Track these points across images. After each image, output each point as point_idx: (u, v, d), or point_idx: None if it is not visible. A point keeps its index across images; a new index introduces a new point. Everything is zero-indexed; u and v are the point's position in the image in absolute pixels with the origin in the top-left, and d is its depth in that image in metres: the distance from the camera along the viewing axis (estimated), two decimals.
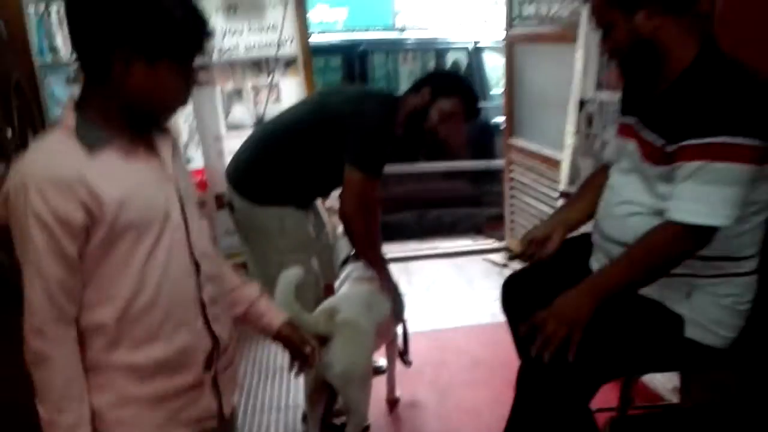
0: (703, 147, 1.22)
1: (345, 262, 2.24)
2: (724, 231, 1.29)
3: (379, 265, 2.07)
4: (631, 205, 1.39)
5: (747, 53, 1.35)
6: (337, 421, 2.09)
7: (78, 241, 0.99)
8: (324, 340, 1.73)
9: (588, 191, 1.67)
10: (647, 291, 1.39)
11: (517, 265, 1.78)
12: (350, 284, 2.07)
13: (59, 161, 0.98)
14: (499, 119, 4.25)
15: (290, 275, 1.69)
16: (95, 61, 1.00)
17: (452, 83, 2.02)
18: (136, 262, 1.04)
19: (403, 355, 2.28)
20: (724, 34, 1.58)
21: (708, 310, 1.37)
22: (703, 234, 1.26)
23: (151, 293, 1.06)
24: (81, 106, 1.03)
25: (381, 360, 2.32)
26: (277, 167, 1.99)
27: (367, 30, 5.62)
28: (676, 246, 1.29)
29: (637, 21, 1.30)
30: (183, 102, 1.09)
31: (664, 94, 1.34)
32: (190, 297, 1.12)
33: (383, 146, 1.94)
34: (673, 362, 1.55)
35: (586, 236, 1.61)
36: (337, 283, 2.22)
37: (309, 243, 2.09)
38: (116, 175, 1.01)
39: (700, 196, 1.24)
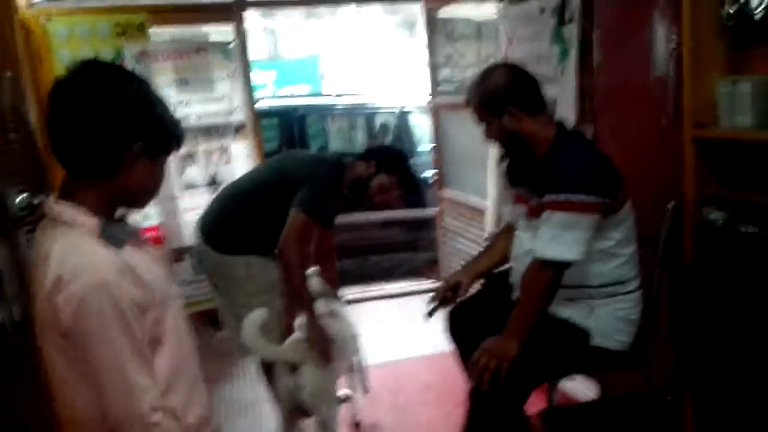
0: (555, 201, 1.64)
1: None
2: (606, 264, 1.72)
3: (302, 299, 2.19)
4: (530, 252, 1.75)
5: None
6: None
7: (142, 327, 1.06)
8: (295, 367, 2.02)
9: (494, 245, 2.10)
10: (559, 313, 1.77)
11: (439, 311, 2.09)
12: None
13: (110, 256, 1.04)
14: (428, 173, 4.71)
15: (254, 317, 1.98)
16: (110, 157, 1.07)
17: (394, 163, 2.34)
18: (171, 334, 1.13)
19: (363, 382, 2.57)
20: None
21: (607, 322, 1.76)
22: (557, 266, 1.65)
23: (182, 358, 1.17)
24: (75, 202, 1.07)
25: (345, 390, 2.58)
26: (242, 221, 2.24)
27: (301, 96, 6.00)
28: (542, 277, 1.68)
29: (504, 121, 1.74)
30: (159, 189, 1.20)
31: (538, 166, 1.77)
32: (194, 353, 1.24)
33: (328, 199, 2.22)
34: (584, 366, 1.95)
35: (504, 275, 1.99)
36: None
37: (274, 285, 2.29)
38: (141, 262, 1.11)
39: (553, 237, 1.63)
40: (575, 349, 1.77)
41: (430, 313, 2.06)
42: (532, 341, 1.68)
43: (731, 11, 1.70)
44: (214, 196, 2.53)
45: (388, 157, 2.36)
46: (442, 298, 2.03)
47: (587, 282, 1.74)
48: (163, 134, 1.14)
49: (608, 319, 1.76)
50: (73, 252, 1.03)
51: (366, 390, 2.57)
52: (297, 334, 2.22)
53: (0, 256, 1.52)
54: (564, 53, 2.51)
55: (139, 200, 1.17)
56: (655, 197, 1.95)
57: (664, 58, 1.97)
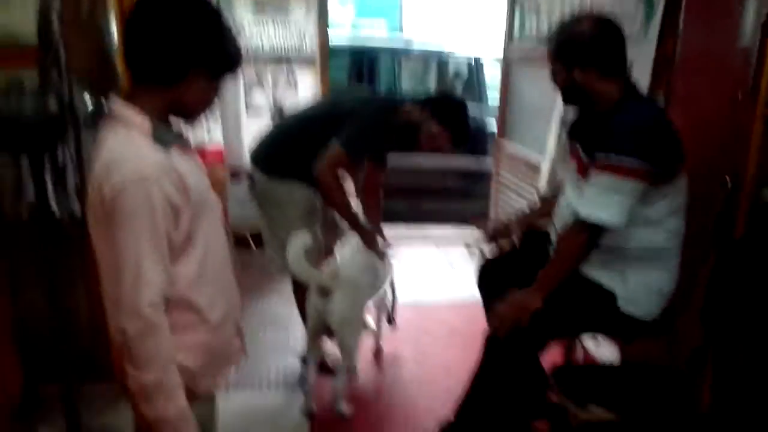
0: (604, 162, 1.60)
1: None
2: (649, 233, 1.68)
3: (348, 215, 2.33)
4: (573, 211, 1.73)
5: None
6: (329, 363, 2.46)
7: (174, 225, 1.14)
8: (326, 292, 2.11)
9: (545, 204, 2.10)
10: (590, 273, 1.75)
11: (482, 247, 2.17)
12: (351, 250, 2.41)
13: (155, 156, 1.12)
14: (494, 126, 4.62)
15: (299, 239, 2.07)
16: (174, 70, 1.16)
17: (450, 115, 2.29)
18: (202, 234, 1.21)
19: (390, 315, 2.65)
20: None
21: (637, 289, 1.73)
22: (594, 228, 1.63)
23: (213, 259, 1.25)
24: (134, 104, 1.16)
25: (370, 320, 2.67)
26: (291, 149, 2.31)
27: (376, 36, 5.90)
28: (578, 238, 1.67)
29: (574, 74, 1.70)
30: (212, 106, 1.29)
31: (595, 126, 1.73)
32: (228, 260, 1.34)
33: (369, 136, 2.23)
34: (605, 327, 1.91)
35: (545, 233, 1.99)
36: (339, 248, 2.58)
37: (315, 213, 2.39)
38: (184, 165, 1.18)
39: (595, 199, 1.61)
40: (599, 310, 1.76)
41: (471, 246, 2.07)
42: (558, 296, 1.69)
43: None
44: (273, 122, 2.60)
45: (445, 107, 2.32)
46: (489, 237, 2.09)
47: (625, 245, 1.71)
48: (226, 58, 1.21)
49: (639, 287, 1.74)
50: (123, 146, 1.12)
51: (391, 322, 2.66)
52: (335, 261, 2.30)
53: (66, 155, 1.63)
54: (650, 14, 2.38)
55: (191, 113, 1.25)
56: (717, 171, 1.86)
57: (751, 30, 1.84)
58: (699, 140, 2.05)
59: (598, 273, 1.75)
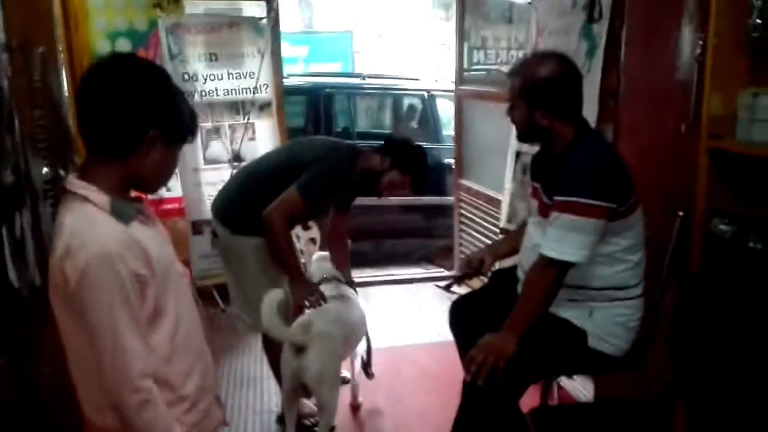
0: (564, 202, 1.65)
1: (318, 283, 2.59)
2: (610, 269, 1.73)
3: (287, 265, 2.26)
4: (537, 246, 1.77)
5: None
6: (306, 421, 2.41)
7: (141, 300, 1.14)
8: (301, 349, 2.08)
9: (514, 235, 2.15)
10: (559, 312, 1.78)
11: (456, 290, 2.20)
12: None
13: (117, 230, 1.12)
14: (450, 159, 4.72)
15: (273, 296, 2.04)
16: (129, 140, 1.15)
17: (410, 163, 2.32)
18: (171, 306, 1.21)
19: (367, 367, 2.62)
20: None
21: (606, 326, 1.76)
22: (561, 266, 1.67)
23: (184, 330, 1.24)
24: (91, 179, 1.15)
25: (345, 372, 2.64)
26: (256, 204, 2.25)
27: (329, 75, 6.04)
28: (544, 276, 1.69)
29: (535, 115, 1.74)
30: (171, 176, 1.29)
31: (552, 166, 1.79)
32: (199, 328, 1.33)
33: (329, 184, 2.21)
34: (579, 367, 1.97)
35: (513, 269, 2.03)
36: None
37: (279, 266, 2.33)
38: (146, 237, 1.18)
39: (559, 238, 1.65)
40: (572, 350, 1.79)
41: (448, 287, 2.13)
42: (530, 339, 1.70)
43: (758, 22, 1.67)
44: (233, 174, 2.59)
45: (406, 155, 2.34)
46: (464, 272, 2.10)
47: (589, 284, 1.75)
48: (180, 124, 1.21)
49: (606, 323, 1.77)
50: (83, 224, 1.11)
51: (368, 375, 2.63)
52: (304, 316, 2.28)
53: (23, 225, 1.59)
54: (591, 50, 2.49)
55: (150, 184, 1.26)
56: (667, 203, 1.94)
57: (688, 63, 1.95)
58: (648, 172, 2.14)
59: (567, 312, 1.78)
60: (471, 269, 2.09)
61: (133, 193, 1.29)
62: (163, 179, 1.27)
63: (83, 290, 1.08)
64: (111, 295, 1.09)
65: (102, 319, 1.09)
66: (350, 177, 2.29)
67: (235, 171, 3.58)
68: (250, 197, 2.30)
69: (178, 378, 1.24)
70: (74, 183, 1.17)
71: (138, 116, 1.15)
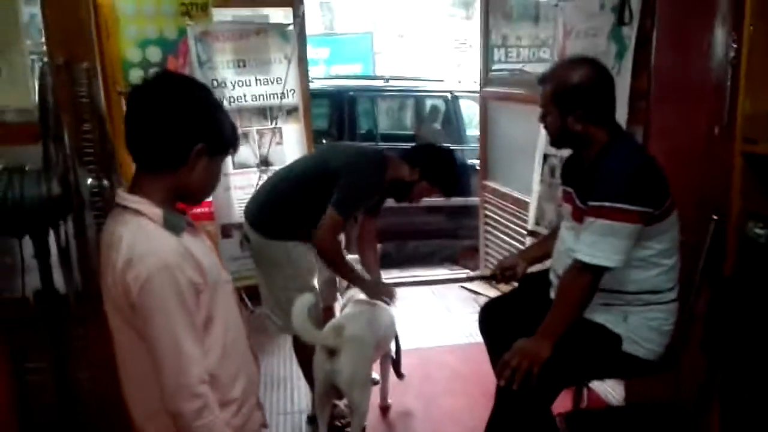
0: (599, 207, 1.65)
1: (348, 287, 2.62)
2: (645, 273, 1.73)
3: (351, 279, 2.43)
4: (571, 251, 1.77)
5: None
6: (338, 422, 2.45)
7: (197, 307, 1.20)
8: (333, 352, 2.11)
9: (547, 239, 2.16)
10: (593, 317, 1.79)
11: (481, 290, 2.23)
12: (353, 305, 2.44)
13: (172, 242, 1.18)
14: (474, 160, 4.72)
15: (305, 300, 2.07)
16: (177, 154, 1.21)
17: (440, 174, 2.36)
18: (220, 313, 1.27)
19: (397, 366, 2.65)
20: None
21: (640, 330, 1.77)
22: (596, 271, 1.67)
23: (232, 335, 1.30)
24: (142, 193, 1.21)
25: (374, 374, 2.65)
26: (286, 209, 2.33)
27: (352, 77, 6.06)
28: (579, 281, 1.70)
29: (568, 121, 1.75)
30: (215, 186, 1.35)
31: (585, 171, 1.79)
32: (244, 334, 1.39)
33: (362, 196, 2.30)
34: (613, 371, 1.97)
35: (545, 272, 2.03)
36: (341, 303, 2.60)
37: (312, 271, 2.40)
38: (197, 248, 1.24)
39: (594, 243, 1.65)
40: (607, 354, 1.79)
41: (472, 279, 2.10)
42: (565, 343, 1.71)
43: None
44: (264, 180, 2.62)
45: (435, 166, 2.37)
46: (498, 277, 2.13)
47: (624, 288, 1.76)
48: (222, 137, 1.27)
49: (641, 327, 1.77)
50: (141, 237, 1.17)
51: (399, 376, 2.66)
52: (336, 320, 2.31)
53: (67, 234, 1.65)
54: (621, 53, 2.49)
55: (196, 195, 1.31)
56: (700, 207, 1.94)
57: (722, 66, 1.93)
58: (680, 175, 2.12)
59: (601, 317, 1.79)
60: (505, 277, 2.11)
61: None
62: (208, 190, 1.32)
63: (146, 301, 1.14)
64: (173, 305, 1.15)
65: (165, 328, 1.15)
66: (380, 186, 2.33)
67: (264, 176, 3.67)
68: (281, 203, 2.35)
69: (228, 381, 1.29)
70: (126, 198, 1.22)
71: (185, 131, 1.21)
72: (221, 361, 1.26)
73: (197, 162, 1.23)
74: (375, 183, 2.31)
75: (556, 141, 1.88)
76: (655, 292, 1.77)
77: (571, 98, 1.74)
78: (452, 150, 2.53)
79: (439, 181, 2.36)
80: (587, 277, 1.69)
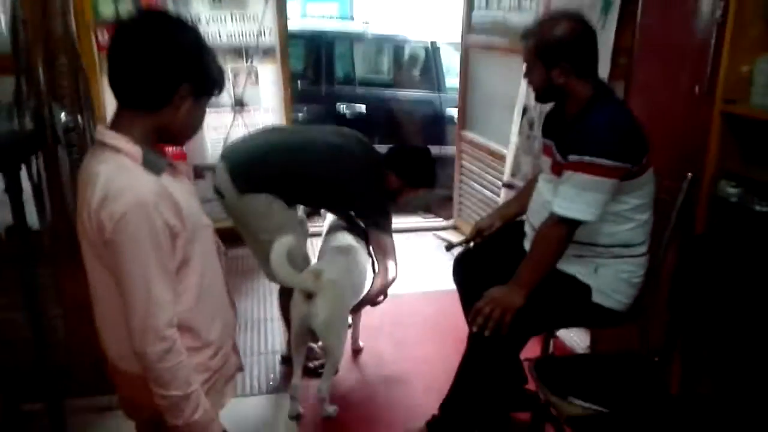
0: (579, 162, 1.68)
1: (328, 232, 2.62)
2: (618, 227, 1.77)
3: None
4: (548, 203, 1.82)
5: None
6: (311, 364, 2.50)
7: (172, 250, 1.17)
8: (310, 296, 2.13)
9: (523, 194, 2.17)
10: (565, 268, 1.84)
11: (456, 250, 2.27)
12: (331, 251, 2.45)
13: (151, 181, 1.15)
14: (453, 110, 4.69)
15: (283, 242, 2.07)
16: (161, 93, 1.17)
17: (423, 179, 2.49)
18: (198, 257, 1.24)
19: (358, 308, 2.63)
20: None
21: (610, 282, 1.82)
22: (571, 224, 1.71)
23: (209, 280, 1.29)
24: (122, 130, 1.18)
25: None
26: (278, 179, 2.25)
27: (331, 18, 5.88)
28: (554, 233, 1.75)
29: (552, 74, 1.76)
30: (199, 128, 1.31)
31: (567, 125, 1.80)
32: (221, 277, 1.39)
33: (384, 207, 2.40)
34: (582, 320, 2.05)
35: (520, 223, 2.07)
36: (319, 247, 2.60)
37: (296, 224, 2.35)
38: (176, 189, 1.21)
39: (571, 197, 1.69)
40: (576, 304, 1.85)
41: (450, 247, 2.22)
42: (536, 293, 1.76)
43: None
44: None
45: (417, 175, 2.48)
46: (472, 238, 2.16)
47: (596, 241, 1.80)
48: (209, 78, 1.23)
49: (610, 279, 1.83)
50: (118, 174, 1.14)
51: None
52: (314, 264, 2.32)
53: (39, 170, 1.60)
54: (607, 7, 2.47)
55: (179, 136, 1.27)
56: (676, 163, 1.97)
57: (707, 25, 1.93)
58: (658, 132, 2.15)
59: (572, 268, 1.84)
60: (482, 237, 2.14)
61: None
62: (191, 132, 1.28)
63: (119, 238, 1.11)
64: (146, 245, 1.12)
65: (136, 268, 1.13)
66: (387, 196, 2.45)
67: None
68: (267, 171, 2.26)
69: (204, 325, 1.28)
70: (106, 134, 1.18)
71: (170, 71, 1.17)
72: (197, 304, 1.25)
73: (182, 103, 1.19)
74: (385, 195, 2.42)
75: (540, 96, 1.88)
76: (627, 246, 1.81)
77: (554, 52, 1.74)
78: (428, 149, 2.62)
79: (423, 184, 2.51)
80: (562, 230, 1.73)
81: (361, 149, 2.38)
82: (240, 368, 1.50)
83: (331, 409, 2.29)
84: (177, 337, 1.18)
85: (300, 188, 2.30)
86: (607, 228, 1.78)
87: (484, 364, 1.82)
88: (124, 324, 1.18)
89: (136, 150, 1.16)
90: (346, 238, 2.51)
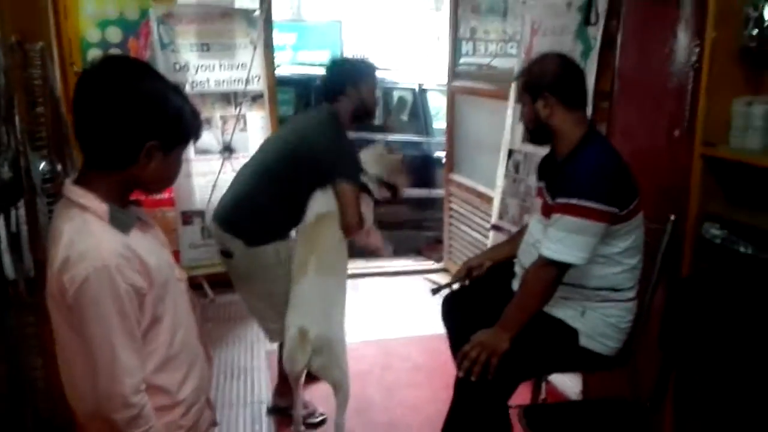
0: (565, 204, 1.68)
1: None
2: (607, 269, 1.76)
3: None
4: (538, 243, 1.81)
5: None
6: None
7: (140, 310, 1.13)
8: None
9: (515, 237, 2.17)
10: (552, 311, 1.81)
11: (444, 292, 2.22)
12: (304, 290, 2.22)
13: (115, 242, 1.10)
14: (440, 153, 4.73)
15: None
16: (125, 152, 1.12)
17: (364, 71, 2.35)
18: (169, 313, 1.20)
19: None
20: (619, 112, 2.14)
21: (597, 326, 1.80)
22: (560, 267, 1.70)
23: (181, 336, 1.24)
24: (89, 187, 1.13)
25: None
26: (271, 210, 2.22)
27: (320, 65, 5.98)
28: (543, 276, 1.73)
29: (537, 106, 1.78)
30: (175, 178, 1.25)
31: (557, 166, 1.82)
32: (195, 332, 1.33)
33: (349, 152, 2.24)
34: (570, 365, 2.01)
35: (509, 264, 2.05)
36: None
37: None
38: (144, 246, 1.17)
39: (559, 239, 1.68)
40: (564, 349, 1.82)
41: (437, 290, 2.16)
42: (523, 337, 1.73)
43: (754, 33, 1.71)
44: (235, 176, 2.47)
45: (356, 70, 2.35)
46: (462, 278, 2.13)
47: (585, 283, 1.78)
48: (179, 129, 1.17)
49: (597, 323, 1.80)
50: (81, 235, 1.09)
51: None
52: (295, 316, 2.19)
53: (18, 220, 1.59)
54: (586, 52, 2.52)
55: (154, 188, 1.24)
56: (659, 206, 1.98)
57: (684, 69, 1.97)
58: (640, 175, 2.15)
59: (560, 311, 1.82)
60: (470, 278, 2.11)
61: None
62: (166, 183, 1.25)
63: (81, 303, 1.08)
64: (109, 309, 1.08)
65: (99, 333, 1.09)
66: (347, 137, 2.29)
67: (228, 163, 3.60)
68: (262, 204, 2.24)
69: (175, 384, 1.23)
70: (72, 190, 1.14)
71: (132, 130, 1.11)
72: (169, 363, 1.21)
73: (150, 160, 1.14)
74: (343, 133, 2.26)
75: (532, 134, 1.90)
76: (615, 290, 1.80)
77: (537, 83, 1.79)
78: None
79: (367, 73, 2.36)
80: (551, 273, 1.71)
81: (316, 121, 2.31)
82: (214, 423, 1.44)
83: None
84: (146, 402, 1.13)
85: (293, 189, 2.23)
86: (596, 270, 1.77)
87: (471, 411, 1.77)
88: (85, 384, 1.13)
89: (102, 208, 1.12)
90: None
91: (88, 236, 1.09)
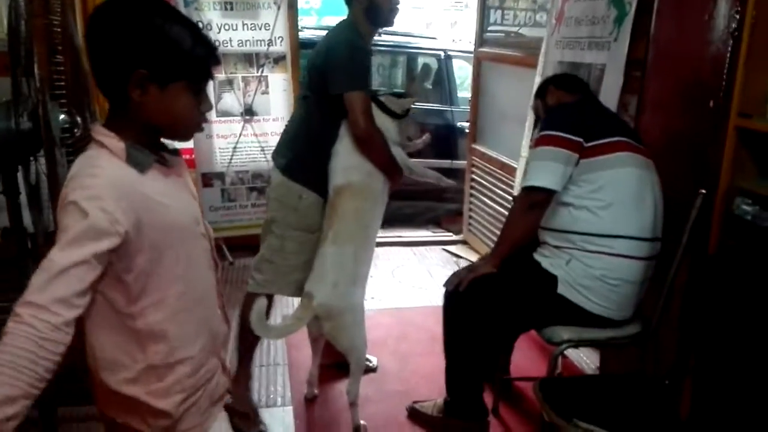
0: (538, 137, 1.90)
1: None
2: (592, 215, 1.81)
3: (395, 170, 2.22)
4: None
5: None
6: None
7: (119, 251, 1.04)
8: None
9: None
10: (539, 259, 1.92)
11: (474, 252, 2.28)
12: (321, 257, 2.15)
13: (117, 177, 1.05)
14: (464, 123, 4.65)
15: (259, 306, 1.93)
16: (114, 87, 1.07)
17: None
18: (182, 264, 1.14)
19: None
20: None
21: (578, 275, 1.83)
22: (532, 193, 1.85)
23: (194, 290, 1.18)
24: (112, 128, 1.09)
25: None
26: (306, 147, 2.15)
27: None
28: (518, 203, 1.97)
29: (546, 100, 2.11)
30: (198, 123, 1.15)
31: None
32: (213, 291, 1.27)
33: (361, 62, 2.06)
34: (549, 313, 1.92)
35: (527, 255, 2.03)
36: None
37: (315, 228, 2.19)
38: (159, 187, 1.11)
39: (530, 169, 1.88)
40: (540, 294, 1.89)
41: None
42: (505, 277, 1.92)
43: None
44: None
45: None
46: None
47: (571, 228, 1.86)
48: (172, 60, 1.07)
49: (579, 272, 1.84)
50: (86, 164, 1.07)
51: None
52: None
53: (38, 171, 1.58)
54: (620, 18, 2.42)
55: (169, 131, 1.15)
56: (689, 179, 1.92)
57: (722, 37, 1.89)
58: (671, 147, 2.11)
59: (546, 259, 1.91)
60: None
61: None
62: (180, 122, 1.13)
63: (59, 220, 1.02)
64: (76, 233, 0.99)
65: (60, 242, 1.00)
66: (362, 41, 2.14)
67: (248, 125, 3.58)
68: (297, 132, 2.20)
69: (182, 339, 1.17)
70: (97, 130, 1.11)
71: (115, 55, 1.04)
72: (176, 316, 1.15)
73: (145, 94, 1.06)
74: (357, 42, 2.10)
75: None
76: (603, 236, 1.81)
77: (544, 84, 2.18)
78: None
79: None
80: (524, 199, 1.89)
81: (333, 31, 2.20)
82: (229, 390, 1.37)
83: (362, 422, 2.23)
84: (27, 318, 0.96)
85: (322, 112, 2.13)
86: (584, 214, 1.84)
87: (457, 314, 2.02)
88: (109, 334, 1.11)
89: (119, 146, 1.07)
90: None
91: (90, 165, 1.06)
